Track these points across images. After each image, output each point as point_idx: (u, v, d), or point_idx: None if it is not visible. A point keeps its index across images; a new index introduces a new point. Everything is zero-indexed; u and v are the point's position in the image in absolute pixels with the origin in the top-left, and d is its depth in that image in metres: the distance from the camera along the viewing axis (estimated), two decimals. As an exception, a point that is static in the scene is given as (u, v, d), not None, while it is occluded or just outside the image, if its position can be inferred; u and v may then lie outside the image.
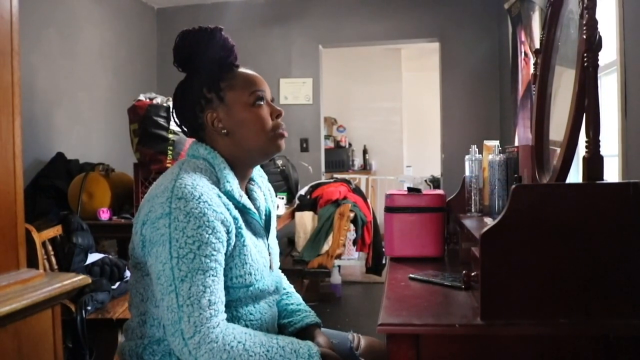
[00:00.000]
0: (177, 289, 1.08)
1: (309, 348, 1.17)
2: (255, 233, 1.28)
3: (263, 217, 1.35)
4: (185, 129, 1.32)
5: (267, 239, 1.34)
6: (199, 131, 1.28)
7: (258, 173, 1.42)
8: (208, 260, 1.10)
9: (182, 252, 1.09)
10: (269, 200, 1.40)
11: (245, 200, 1.23)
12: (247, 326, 1.22)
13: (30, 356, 1.34)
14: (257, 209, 1.33)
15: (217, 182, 1.20)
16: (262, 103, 1.27)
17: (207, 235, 1.10)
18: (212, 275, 1.10)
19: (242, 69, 1.29)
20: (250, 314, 1.24)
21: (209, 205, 1.12)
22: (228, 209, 1.17)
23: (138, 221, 1.18)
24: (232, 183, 1.21)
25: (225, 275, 1.17)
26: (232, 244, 1.17)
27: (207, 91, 1.25)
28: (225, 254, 1.16)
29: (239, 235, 1.18)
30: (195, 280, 1.08)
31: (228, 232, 1.15)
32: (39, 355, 1.38)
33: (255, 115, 1.25)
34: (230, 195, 1.19)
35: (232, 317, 1.21)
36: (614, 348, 1.05)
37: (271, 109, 1.28)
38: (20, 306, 1.26)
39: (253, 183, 1.38)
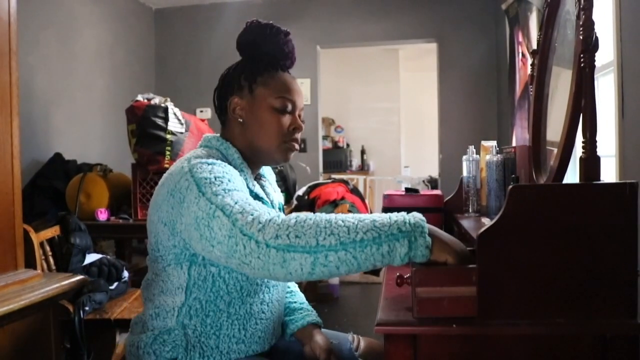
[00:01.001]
0: (220, 207, 1.03)
1: (413, 215, 0.99)
2: None
3: (277, 209, 1.37)
4: (215, 109, 1.35)
5: None
6: (222, 114, 1.31)
7: (268, 171, 1.45)
8: (241, 187, 1.11)
9: (214, 185, 1.07)
10: (279, 196, 1.44)
11: (258, 189, 1.26)
12: (256, 324, 1.25)
13: (28, 357, 1.34)
14: (272, 201, 1.36)
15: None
16: (286, 112, 1.27)
17: (234, 176, 1.13)
18: (248, 195, 1.10)
19: (288, 75, 1.31)
20: (263, 312, 1.27)
21: (230, 169, 1.15)
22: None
23: (154, 207, 1.19)
24: (246, 172, 1.24)
25: None
26: None
27: (243, 78, 1.27)
28: None
29: None
30: (235, 194, 1.06)
31: None
32: (37, 356, 1.38)
33: (273, 119, 1.26)
34: (245, 184, 1.21)
35: (246, 313, 1.23)
36: (610, 348, 1.05)
37: (292, 120, 1.29)
38: (18, 306, 1.25)
39: (264, 179, 1.41)
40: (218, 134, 1.32)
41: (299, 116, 1.31)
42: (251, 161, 1.30)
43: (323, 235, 0.94)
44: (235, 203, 1.04)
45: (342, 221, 0.96)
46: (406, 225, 0.95)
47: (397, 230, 0.94)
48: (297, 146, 1.31)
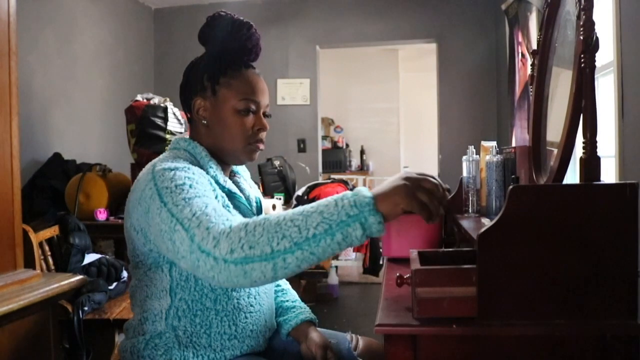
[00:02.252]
0: (180, 220, 1.02)
1: (356, 192, 0.96)
2: (244, 216, 1.29)
3: (254, 204, 1.37)
4: (181, 102, 1.33)
5: None
6: (188, 111, 1.30)
7: (241, 167, 1.44)
8: (201, 195, 1.07)
9: (175, 194, 1.06)
10: (256, 191, 1.43)
11: (230, 185, 1.26)
12: (246, 318, 1.24)
13: (27, 357, 1.34)
14: (247, 196, 1.36)
15: (200, 168, 1.22)
16: (249, 112, 1.26)
17: (197, 179, 1.11)
18: (210, 199, 1.07)
19: (251, 72, 1.27)
20: (251, 305, 1.26)
21: (194, 171, 1.14)
22: (214, 189, 1.18)
23: (126, 215, 1.20)
24: (215, 169, 1.23)
25: None
26: None
27: (206, 79, 1.26)
28: None
29: None
30: (194, 203, 1.04)
31: (215, 198, 1.15)
32: (36, 356, 1.38)
33: (236, 122, 1.25)
34: (215, 180, 1.22)
35: (234, 308, 1.22)
36: (610, 348, 1.05)
37: (257, 121, 1.27)
38: (17, 306, 1.25)
39: (239, 176, 1.41)
40: (187, 135, 1.33)
41: (264, 114, 1.29)
42: (219, 159, 1.29)
43: (276, 240, 0.93)
44: (193, 215, 1.02)
45: (291, 221, 0.94)
46: (353, 208, 0.92)
47: (346, 217, 0.92)
48: (262, 146, 1.29)
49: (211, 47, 1.29)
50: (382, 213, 0.93)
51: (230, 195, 1.25)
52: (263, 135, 1.29)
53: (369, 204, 0.92)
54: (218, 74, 1.25)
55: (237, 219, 1.01)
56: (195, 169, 1.16)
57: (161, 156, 1.24)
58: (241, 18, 1.28)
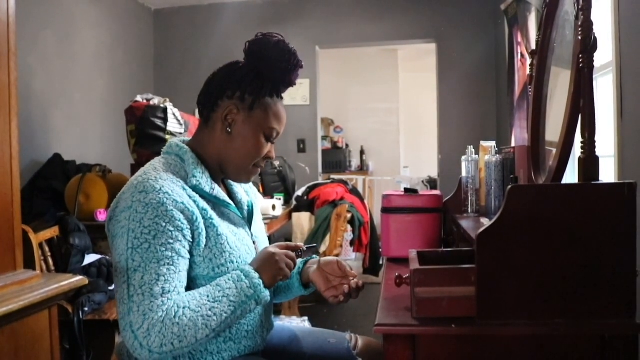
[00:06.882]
0: (129, 279, 1.10)
1: (247, 274, 1.18)
2: (234, 223, 1.30)
3: (245, 208, 1.38)
4: (201, 98, 1.32)
5: (250, 229, 1.36)
6: (210, 111, 1.29)
7: None
8: (163, 249, 1.12)
9: (137, 242, 1.11)
10: (250, 194, 1.45)
11: (217, 192, 1.26)
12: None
13: (27, 357, 1.34)
14: (239, 201, 1.37)
15: (186, 176, 1.23)
16: (269, 140, 1.30)
17: (163, 224, 1.12)
18: (168, 264, 1.12)
19: (282, 104, 1.32)
20: None
21: (169, 195, 1.14)
22: (194, 201, 1.19)
23: (108, 217, 1.22)
24: (200, 177, 1.24)
25: (207, 267, 1.19)
26: (202, 233, 1.18)
27: (248, 92, 1.26)
28: (197, 245, 1.18)
29: (210, 225, 1.20)
30: (149, 270, 1.10)
31: (192, 222, 1.16)
32: (36, 357, 1.38)
33: (258, 144, 1.28)
34: (198, 189, 1.22)
35: None
36: (609, 348, 1.05)
37: (270, 149, 1.32)
38: (17, 307, 1.25)
39: None
40: (183, 138, 1.34)
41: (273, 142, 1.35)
42: (213, 168, 1.30)
43: (201, 333, 1.11)
44: (141, 287, 1.09)
45: (211, 310, 1.12)
46: (250, 289, 1.16)
47: (245, 297, 1.16)
48: (258, 172, 1.36)
49: (261, 64, 1.28)
50: (267, 286, 1.20)
51: (217, 202, 1.26)
52: (264, 163, 1.34)
53: (260, 284, 1.17)
54: (262, 94, 1.27)
55: (170, 311, 1.09)
56: (176, 187, 1.17)
57: (153, 164, 1.25)
58: (297, 55, 1.31)
